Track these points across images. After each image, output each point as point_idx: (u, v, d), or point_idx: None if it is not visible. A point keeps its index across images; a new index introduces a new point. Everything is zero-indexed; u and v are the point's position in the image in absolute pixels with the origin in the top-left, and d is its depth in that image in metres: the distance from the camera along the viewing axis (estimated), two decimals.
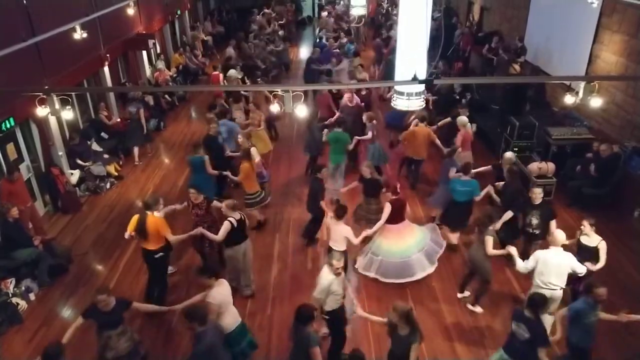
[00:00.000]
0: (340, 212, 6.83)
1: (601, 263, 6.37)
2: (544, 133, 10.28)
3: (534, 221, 7.25)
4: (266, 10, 21.36)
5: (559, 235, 6.13)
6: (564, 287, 6.10)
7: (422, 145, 9.71)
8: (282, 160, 11.05)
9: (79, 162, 10.41)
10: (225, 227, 6.74)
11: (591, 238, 6.48)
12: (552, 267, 5.97)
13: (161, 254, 6.92)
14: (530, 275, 6.29)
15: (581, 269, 6.00)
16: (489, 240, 6.60)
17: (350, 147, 9.76)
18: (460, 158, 8.94)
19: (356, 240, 6.91)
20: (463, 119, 9.65)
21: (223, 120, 10.13)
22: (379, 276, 7.49)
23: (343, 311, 6.06)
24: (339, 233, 6.84)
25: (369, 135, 9.86)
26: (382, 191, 7.83)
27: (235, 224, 6.79)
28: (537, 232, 7.27)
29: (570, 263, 5.97)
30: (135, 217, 6.81)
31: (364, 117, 10.08)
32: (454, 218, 8.24)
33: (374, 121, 10.04)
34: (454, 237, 8.31)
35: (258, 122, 10.39)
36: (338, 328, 6.14)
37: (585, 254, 6.40)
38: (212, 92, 12.94)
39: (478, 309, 7.14)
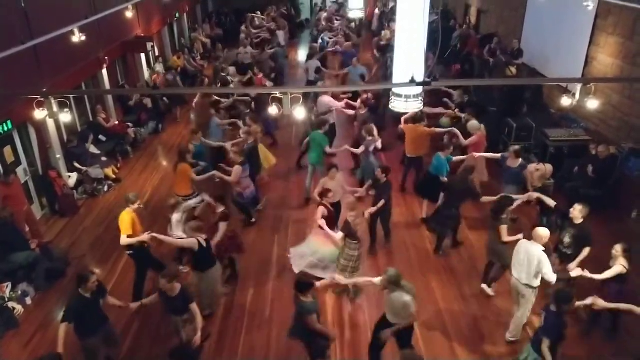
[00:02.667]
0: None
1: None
2: (542, 135, 10.32)
3: (567, 240, 6.79)
4: (254, 16, 20.76)
5: (542, 232, 6.06)
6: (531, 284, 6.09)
7: (422, 142, 9.69)
8: (280, 163, 11.02)
9: (77, 165, 10.41)
10: (190, 241, 6.44)
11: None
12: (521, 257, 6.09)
13: (130, 251, 6.98)
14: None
15: (550, 277, 5.91)
16: (504, 229, 6.75)
17: (329, 150, 9.72)
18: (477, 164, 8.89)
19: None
20: (475, 123, 9.66)
21: None
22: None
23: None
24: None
25: (361, 149, 9.52)
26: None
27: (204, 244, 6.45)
28: (568, 252, 6.77)
29: (539, 261, 5.90)
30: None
31: (363, 130, 9.63)
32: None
33: (371, 137, 9.42)
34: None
35: (255, 138, 9.74)
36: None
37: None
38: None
39: (490, 292, 7.29)
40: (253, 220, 9.22)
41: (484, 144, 9.47)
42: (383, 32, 17.74)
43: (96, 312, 5.73)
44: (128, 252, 7.04)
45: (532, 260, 5.97)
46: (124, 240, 6.77)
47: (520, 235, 6.59)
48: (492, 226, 7.02)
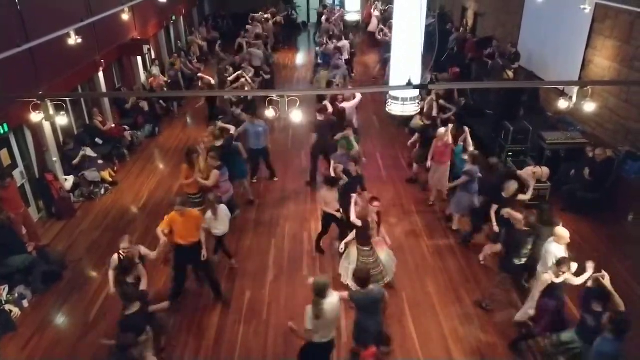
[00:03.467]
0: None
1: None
2: (538, 138, 10.33)
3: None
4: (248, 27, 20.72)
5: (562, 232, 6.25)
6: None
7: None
8: (277, 166, 11.02)
9: (75, 162, 10.44)
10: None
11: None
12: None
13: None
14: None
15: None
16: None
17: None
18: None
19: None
20: (442, 130, 9.49)
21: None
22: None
23: None
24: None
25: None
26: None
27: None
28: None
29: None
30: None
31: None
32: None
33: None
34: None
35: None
36: None
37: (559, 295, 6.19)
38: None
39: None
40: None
41: (446, 153, 9.39)
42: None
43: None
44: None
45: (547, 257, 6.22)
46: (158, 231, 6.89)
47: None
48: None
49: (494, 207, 7.71)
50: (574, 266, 6.12)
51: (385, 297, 5.74)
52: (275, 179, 10.83)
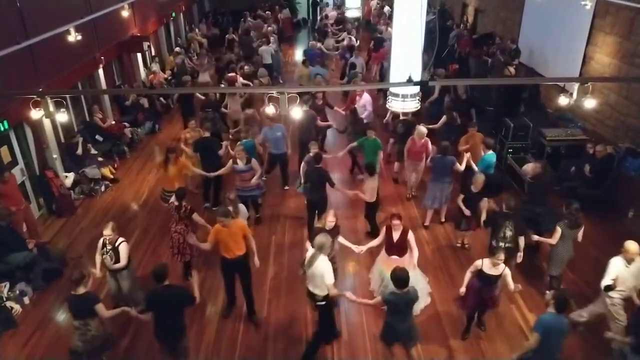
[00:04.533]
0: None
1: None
2: (539, 134, 10.33)
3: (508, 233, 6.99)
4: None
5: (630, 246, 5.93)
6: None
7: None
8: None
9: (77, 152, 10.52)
10: (125, 248, 6.60)
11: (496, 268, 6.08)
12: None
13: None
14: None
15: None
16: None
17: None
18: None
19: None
20: (420, 129, 9.37)
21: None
22: None
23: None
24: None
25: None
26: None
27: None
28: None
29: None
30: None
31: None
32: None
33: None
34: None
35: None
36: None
37: (486, 282, 6.16)
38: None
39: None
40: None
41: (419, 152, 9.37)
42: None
43: None
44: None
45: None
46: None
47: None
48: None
49: (460, 196, 7.99)
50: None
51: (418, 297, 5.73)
52: (287, 188, 10.50)
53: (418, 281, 6.87)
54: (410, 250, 6.82)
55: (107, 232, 6.49)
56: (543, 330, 5.09)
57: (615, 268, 5.92)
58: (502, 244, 6.86)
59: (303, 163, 8.92)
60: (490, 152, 8.78)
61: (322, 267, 5.67)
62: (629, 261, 5.90)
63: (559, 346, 5.25)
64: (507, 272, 6.07)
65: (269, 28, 18.71)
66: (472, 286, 6.29)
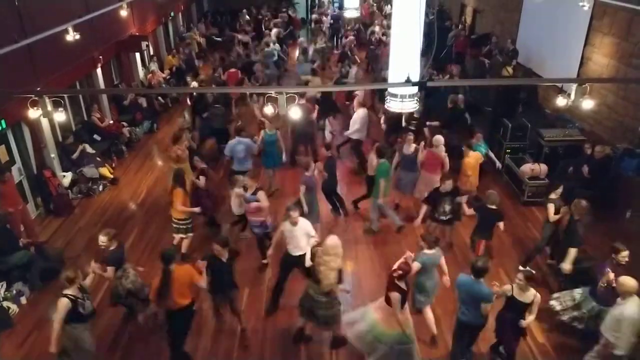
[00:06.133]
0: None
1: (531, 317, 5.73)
2: (536, 135, 10.34)
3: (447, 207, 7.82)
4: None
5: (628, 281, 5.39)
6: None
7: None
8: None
9: (74, 156, 10.46)
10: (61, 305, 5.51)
11: (525, 293, 5.67)
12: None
13: None
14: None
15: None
16: (551, 207, 7.42)
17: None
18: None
19: None
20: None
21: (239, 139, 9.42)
22: None
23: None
24: None
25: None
26: None
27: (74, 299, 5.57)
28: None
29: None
30: None
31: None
32: None
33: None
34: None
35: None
36: None
37: (515, 309, 5.76)
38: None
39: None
40: None
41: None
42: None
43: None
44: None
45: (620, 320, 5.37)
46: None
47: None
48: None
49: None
50: None
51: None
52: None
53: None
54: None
55: (102, 238, 6.43)
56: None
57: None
58: (443, 217, 7.89)
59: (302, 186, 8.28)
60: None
61: (304, 225, 6.62)
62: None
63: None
64: (538, 299, 5.64)
65: (274, 30, 18.88)
66: (503, 319, 5.90)
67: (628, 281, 5.34)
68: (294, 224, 6.67)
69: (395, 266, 5.71)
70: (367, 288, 7.54)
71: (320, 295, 6.01)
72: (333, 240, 5.96)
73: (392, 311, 5.60)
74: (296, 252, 6.82)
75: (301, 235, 6.72)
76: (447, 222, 8.02)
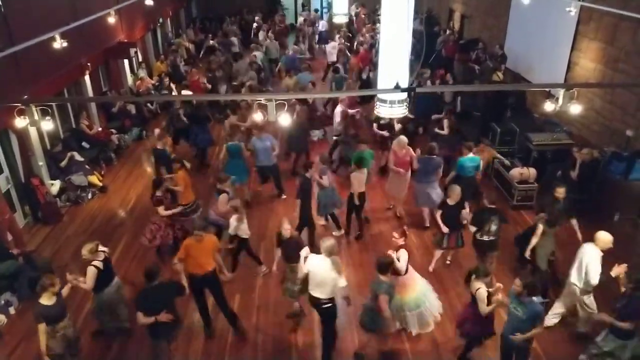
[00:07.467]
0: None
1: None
2: (525, 139, 10.42)
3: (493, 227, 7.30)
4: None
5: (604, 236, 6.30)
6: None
7: None
8: None
9: (62, 164, 10.41)
10: (91, 273, 6.23)
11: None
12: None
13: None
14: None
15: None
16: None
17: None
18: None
19: None
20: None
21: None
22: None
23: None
24: None
25: (316, 177, 8.60)
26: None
27: (101, 266, 6.33)
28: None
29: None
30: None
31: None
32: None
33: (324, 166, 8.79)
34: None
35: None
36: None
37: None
38: None
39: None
40: None
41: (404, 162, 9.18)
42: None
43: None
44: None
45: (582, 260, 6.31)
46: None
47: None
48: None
49: (438, 211, 7.77)
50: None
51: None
52: (284, 197, 10.36)
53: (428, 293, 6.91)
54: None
55: (84, 252, 6.32)
56: None
57: (598, 260, 6.25)
58: (485, 238, 7.32)
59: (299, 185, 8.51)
60: (470, 154, 8.85)
61: (332, 272, 5.85)
62: (603, 251, 6.28)
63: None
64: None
65: (269, 33, 18.99)
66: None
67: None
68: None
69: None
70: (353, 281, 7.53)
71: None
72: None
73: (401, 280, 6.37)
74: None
75: None
76: (490, 244, 7.34)
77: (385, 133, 10.67)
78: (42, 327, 5.65)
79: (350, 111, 11.23)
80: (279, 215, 9.71)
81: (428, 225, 9.16)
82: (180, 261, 6.39)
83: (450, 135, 10.55)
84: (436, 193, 8.89)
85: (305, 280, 6.18)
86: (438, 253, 8.05)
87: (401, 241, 6.49)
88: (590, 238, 6.55)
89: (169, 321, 5.73)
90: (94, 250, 6.33)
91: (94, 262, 6.31)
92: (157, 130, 10.70)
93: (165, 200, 8.09)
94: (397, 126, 10.70)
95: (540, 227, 6.98)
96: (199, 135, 11.58)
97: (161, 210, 7.90)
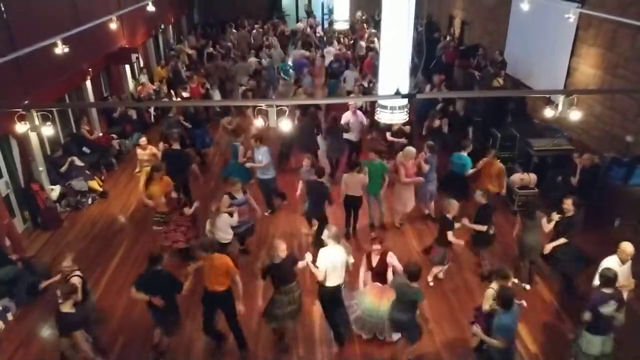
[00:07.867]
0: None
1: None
2: (525, 144, 10.42)
3: None
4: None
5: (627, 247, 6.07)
6: None
7: None
8: None
9: (62, 169, 10.38)
10: (78, 283, 6.15)
11: None
12: None
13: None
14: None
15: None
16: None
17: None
18: None
19: None
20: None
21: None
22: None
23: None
24: None
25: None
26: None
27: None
28: None
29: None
30: None
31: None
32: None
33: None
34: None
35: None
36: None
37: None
38: None
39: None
40: None
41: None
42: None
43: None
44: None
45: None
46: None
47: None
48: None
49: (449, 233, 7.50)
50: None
51: None
52: (284, 202, 10.29)
53: None
54: (395, 273, 6.46)
55: (67, 263, 6.28)
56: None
57: (612, 264, 6.06)
58: (490, 231, 7.69)
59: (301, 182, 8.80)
60: (462, 153, 9.23)
61: (342, 256, 6.21)
62: (623, 262, 6.09)
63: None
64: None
65: (272, 39, 19.10)
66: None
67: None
68: None
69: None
70: None
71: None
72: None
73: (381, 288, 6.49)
74: None
75: None
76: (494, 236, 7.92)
77: (403, 140, 10.53)
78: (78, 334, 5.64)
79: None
80: (281, 219, 9.75)
81: (434, 216, 9.40)
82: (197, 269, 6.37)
83: (450, 133, 10.84)
84: (433, 189, 9.34)
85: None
86: (436, 269, 7.92)
87: (377, 246, 6.50)
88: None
89: (161, 307, 5.93)
90: (70, 261, 6.35)
91: (76, 272, 6.29)
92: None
93: (181, 200, 8.37)
94: (406, 128, 10.67)
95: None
96: (199, 138, 11.91)
97: (187, 210, 8.14)
